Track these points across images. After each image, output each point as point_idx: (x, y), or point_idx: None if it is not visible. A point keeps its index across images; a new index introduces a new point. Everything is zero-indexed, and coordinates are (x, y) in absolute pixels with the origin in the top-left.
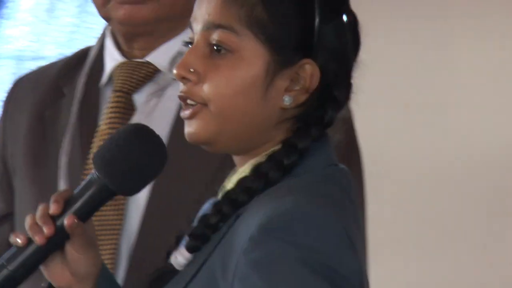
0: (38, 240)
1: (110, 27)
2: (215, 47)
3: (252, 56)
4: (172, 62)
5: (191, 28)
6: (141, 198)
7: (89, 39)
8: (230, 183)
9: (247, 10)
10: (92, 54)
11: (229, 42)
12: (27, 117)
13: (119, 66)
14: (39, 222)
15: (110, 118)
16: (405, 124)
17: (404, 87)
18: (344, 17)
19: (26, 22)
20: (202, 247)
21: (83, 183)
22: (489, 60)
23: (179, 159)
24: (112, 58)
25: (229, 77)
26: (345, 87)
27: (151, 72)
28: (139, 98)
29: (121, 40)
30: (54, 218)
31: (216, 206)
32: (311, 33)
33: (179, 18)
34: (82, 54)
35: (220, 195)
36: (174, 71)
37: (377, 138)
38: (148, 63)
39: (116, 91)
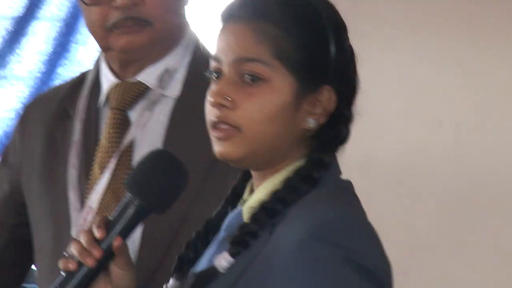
0: (89, 263)
1: (103, 54)
2: (248, 77)
3: (282, 84)
4: (160, 80)
5: (216, 59)
6: None
7: None
8: (256, 195)
9: (275, 43)
10: (89, 78)
11: (261, 72)
12: (40, 139)
13: (114, 87)
14: (88, 247)
15: (109, 133)
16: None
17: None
18: (349, 46)
19: (97, 47)
20: (242, 252)
21: (118, 207)
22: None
23: None
24: (108, 79)
25: (262, 104)
26: (351, 107)
27: (143, 90)
28: (133, 113)
29: (116, 65)
30: (98, 242)
31: (254, 216)
32: (327, 61)
33: (169, 41)
34: (82, 77)
35: (243, 207)
36: (211, 99)
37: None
38: (140, 82)
39: (113, 109)
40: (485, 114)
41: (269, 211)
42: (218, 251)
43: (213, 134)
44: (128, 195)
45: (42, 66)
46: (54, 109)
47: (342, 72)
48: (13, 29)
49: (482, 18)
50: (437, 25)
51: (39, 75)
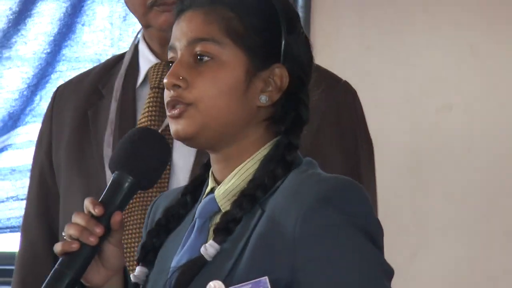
0: (93, 241)
1: (143, 35)
2: (200, 56)
3: (233, 61)
4: None
5: (171, 48)
6: None
7: None
8: (230, 182)
9: (227, 23)
10: (127, 59)
11: (211, 50)
12: (71, 117)
13: (154, 67)
14: (89, 226)
15: (150, 111)
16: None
17: None
18: (301, 32)
19: (103, 28)
20: (228, 239)
21: (109, 185)
22: None
23: None
24: (147, 60)
25: (214, 80)
26: (306, 93)
27: None
28: None
29: (156, 45)
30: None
31: (236, 202)
32: (279, 43)
33: None
34: (117, 59)
35: (215, 194)
36: (165, 81)
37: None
38: None
39: (153, 87)
40: (495, 98)
41: (250, 197)
42: (198, 241)
43: (167, 115)
44: (116, 172)
45: (47, 47)
46: (86, 89)
47: (293, 53)
48: (18, 10)
49: (494, 1)
50: (448, 9)
51: (44, 56)
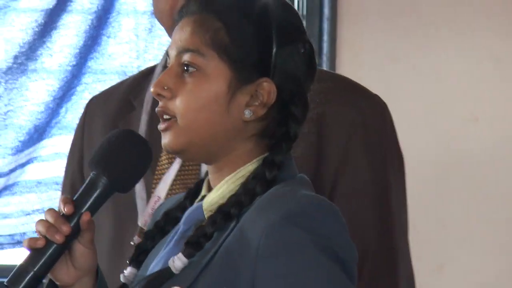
0: (58, 239)
1: None
2: (185, 67)
3: (216, 74)
4: None
5: (167, 55)
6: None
7: None
8: (214, 194)
9: (212, 34)
10: (157, 70)
11: (196, 61)
12: (102, 129)
13: None
14: (56, 224)
15: None
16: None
17: None
18: (300, 45)
19: (128, 40)
20: (196, 254)
21: (84, 185)
22: None
23: None
24: None
25: (195, 92)
26: (302, 105)
27: None
28: None
29: None
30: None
31: (211, 218)
32: (269, 56)
33: None
34: (148, 72)
35: (203, 203)
36: (151, 89)
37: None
38: None
39: None
40: None
41: (225, 214)
42: (175, 249)
43: (158, 128)
44: (93, 172)
45: (73, 59)
46: (117, 101)
47: (286, 67)
48: (43, 22)
49: None
50: (473, 19)
51: (69, 68)
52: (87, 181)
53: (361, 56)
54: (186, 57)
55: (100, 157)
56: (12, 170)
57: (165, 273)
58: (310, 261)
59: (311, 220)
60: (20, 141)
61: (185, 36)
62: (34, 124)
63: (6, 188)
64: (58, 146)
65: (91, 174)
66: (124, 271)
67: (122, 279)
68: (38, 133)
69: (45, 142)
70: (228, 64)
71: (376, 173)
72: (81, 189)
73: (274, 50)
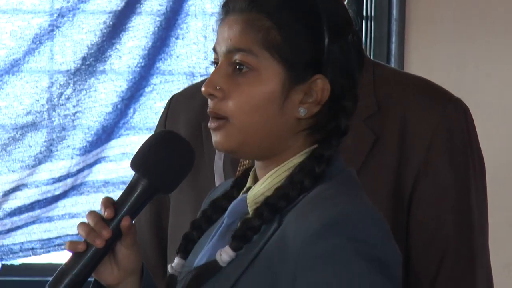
0: (99, 243)
1: None
2: (238, 67)
3: (269, 74)
4: None
5: (215, 51)
6: None
7: None
8: (260, 186)
9: (264, 34)
10: None
11: (249, 61)
12: (185, 129)
13: None
14: (96, 227)
15: None
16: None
17: None
18: (350, 37)
19: (196, 41)
20: (244, 247)
21: (126, 188)
22: None
23: None
24: None
25: (249, 93)
26: (352, 98)
27: None
28: None
29: None
30: (106, 222)
31: (258, 210)
32: (321, 52)
33: None
34: None
35: (248, 195)
36: (202, 89)
37: None
38: None
39: None
40: None
41: (272, 207)
42: (220, 242)
43: (208, 126)
44: (135, 175)
45: (141, 61)
46: (200, 101)
47: (336, 63)
48: (112, 24)
49: None
50: None
51: (138, 69)
52: (128, 184)
53: (430, 60)
54: (238, 57)
55: (140, 160)
56: (80, 171)
57: (212, 266)
58: (350, 269)
59: (352, 227)
60: (88, 142)
61: (235, 35)
62: (102, 124)
63: (74, 188)
64: (126, 146)
65: (133, 176)
66: (172, 262)
67: (170, 270)
68: (106, 134)
69: (113, 143)
70: (281, 63)
71: (458, 177)
72: (122, 192)
73: (326, 45)
